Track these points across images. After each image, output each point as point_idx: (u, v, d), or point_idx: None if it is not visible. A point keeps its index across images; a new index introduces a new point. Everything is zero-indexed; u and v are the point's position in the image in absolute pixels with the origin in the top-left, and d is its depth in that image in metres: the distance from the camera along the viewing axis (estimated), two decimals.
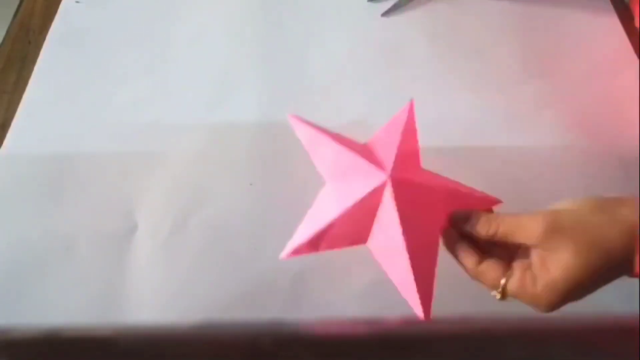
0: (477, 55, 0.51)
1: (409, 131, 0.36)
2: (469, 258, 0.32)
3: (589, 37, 0.52)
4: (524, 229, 0.30)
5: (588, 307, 0.38)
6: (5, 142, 0.45)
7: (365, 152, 0.35)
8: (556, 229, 0.29)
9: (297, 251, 0.33)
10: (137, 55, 0.51)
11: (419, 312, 0.31)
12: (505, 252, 0.32)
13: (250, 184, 0.43)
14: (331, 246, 0.33)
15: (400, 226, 0.31)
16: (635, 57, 0.51)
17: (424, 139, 0.46)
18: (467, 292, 0.39)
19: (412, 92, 0.48)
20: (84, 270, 0.39)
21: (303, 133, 0.36)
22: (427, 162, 0.46)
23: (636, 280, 0.38)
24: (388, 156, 0.33)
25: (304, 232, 0.33)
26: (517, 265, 0.30)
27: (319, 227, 0.33)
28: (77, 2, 0.55)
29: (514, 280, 0.30)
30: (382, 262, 0.33)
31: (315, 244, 0.33)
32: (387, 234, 0.32)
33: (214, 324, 0.37)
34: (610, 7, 0.54)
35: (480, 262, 0.31)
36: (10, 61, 0.51)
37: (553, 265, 0.29)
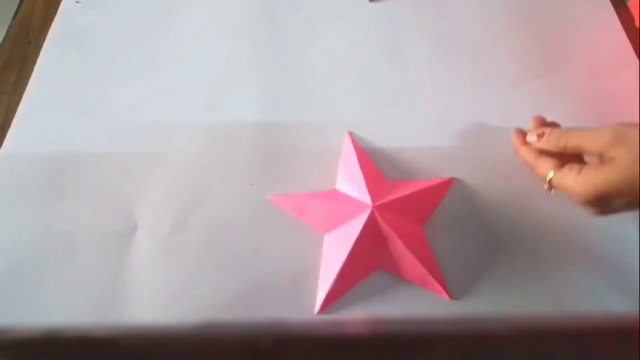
0: (476, 56, 0.51)
1: (361, 157, 0.42)
2: (529, 153, 0.38)
3: (589, 37, 0.52)
4: (592, 140, 0.34)
5: (588, 307, 0.38)
6: (5, 142, 0.45)
7: (340, 196, 0.41)
8: (621, 140, 0.32)
9: (327, 302, 0.38)
10: (137, 55, 0.51)
11: (444, 295, 0.38)
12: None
13: (250, 184, 0.43)
14: (353, 282, 0.38)
15: (400, 239, 0.37)
16: (635, 57, 0.51)
17: (424, 139, 0.47)
18: (467, 292, 0.39)
19: (412, 91, 0.48)
20: (84, 270, 0.39)
21: (289, 206, 0.41)
22: (427, 162, 0.46)
23: (636, 280, 0.38)
24: (361, 190, 0.39)
25: (325, 283, 0.38)
26: (570, 165, 0.35)
27: (337, 272, 0.37)
28: (77, 2, 0.55)
29: (561, 172, 0.34)
30: (396, 271, 0.39)
31: (339, 287, 0.38)
32: (393, 249, 0.38)
33: (214, 324, 0.37)
34: (610, 7, 0.54)
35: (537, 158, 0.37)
36: (10, 61, 0.51)
37: (605, 168, 0.32)
